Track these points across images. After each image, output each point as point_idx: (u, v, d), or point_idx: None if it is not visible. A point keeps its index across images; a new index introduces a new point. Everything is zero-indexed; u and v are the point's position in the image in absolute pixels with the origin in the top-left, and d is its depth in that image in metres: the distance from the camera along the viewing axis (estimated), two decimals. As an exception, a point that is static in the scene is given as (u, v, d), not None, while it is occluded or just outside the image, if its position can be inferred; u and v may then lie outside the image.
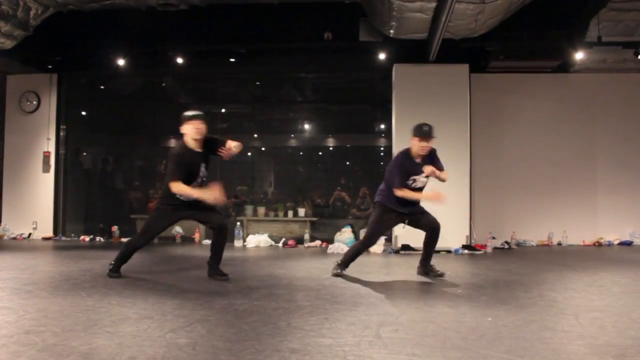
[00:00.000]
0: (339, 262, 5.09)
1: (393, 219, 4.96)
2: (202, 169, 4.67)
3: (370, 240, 5.04)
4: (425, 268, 5.08)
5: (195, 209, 4.69)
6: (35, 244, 8.04)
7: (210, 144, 4.68)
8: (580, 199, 8.12)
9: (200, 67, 8.70)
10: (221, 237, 4.80)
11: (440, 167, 4.91)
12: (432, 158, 4.92)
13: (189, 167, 4.55)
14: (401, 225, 5.09)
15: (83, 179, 9.73)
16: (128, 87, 9.96)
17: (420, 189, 4.91)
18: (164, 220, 4.78)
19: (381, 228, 5.05)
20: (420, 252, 5.17)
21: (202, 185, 4.66)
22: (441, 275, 5.00)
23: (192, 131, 4.61)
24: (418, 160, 4.87)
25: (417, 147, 4.82)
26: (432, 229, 4.95)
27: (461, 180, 7.35)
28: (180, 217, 4.84)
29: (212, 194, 4.48)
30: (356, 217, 9.02)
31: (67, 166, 9.06)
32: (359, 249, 5.11)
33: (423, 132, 4.78)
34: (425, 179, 4.89)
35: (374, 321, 3.28)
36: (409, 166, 4.84)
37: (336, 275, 5.00)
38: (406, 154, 4.91)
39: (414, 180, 4.85)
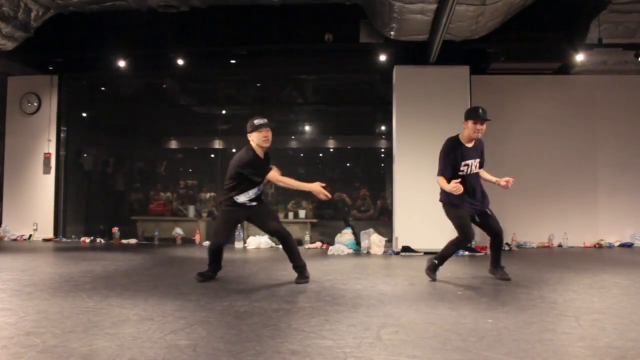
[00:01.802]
0: (435, 261, 4.98)
1: (464, 210, 4.75)
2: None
3: (465, 236, 4.79)
4: (493, 269, 5.03)
5: (252, 213, 4.79)
6: (36, 245, 8.04)
7: (267, 155, 4.87)
8: (581, 200, 8.11)
9: (200, 68, 8.71)
10: (284, 243, 4.80)
11: (483, 161, 4.86)
12: (481, 148, 4.84)
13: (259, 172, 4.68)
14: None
15: (84, 181, 9.74)
16: (129, 88, 9.96)
17: (473, 177, 4.76)
18: (229, 221, 4.81)
19: (466, 220, 4.76)
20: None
21: (260, 192, 4.79)
22: (507, 279, 4.89)
23: (260, 139, 4.71)
24: (470, 145, 4.77)
25: (472, 129, 4.70)
26: (494, 233, 4.90)
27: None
28: (239, 217, 4.89)
29: (316, 187, 4.65)
30: (356, 218, 9.02)
31: (68, 167, 9.06)
32: (456, 245, 4.93)
33: (478, 114, 4.68)
34: (476, 165, 4.76)
35: (375, 323, 3.28)
36: (459, 152, 4.71)
37: (431, 274, 4.95)
38: (455, 139, 4.79)
39: (468, 166, 4.72)
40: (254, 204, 4.77)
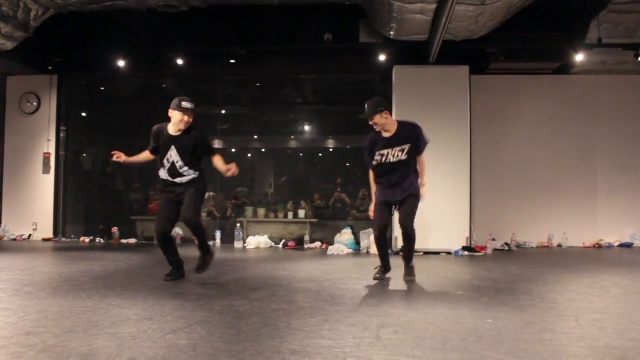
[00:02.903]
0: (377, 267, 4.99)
1: (380, 201, 4.84)
2: (173, 153, 4.65)
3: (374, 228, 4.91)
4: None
5: (172, 195, 4.69)
6: (36, 245, 8.04)
7: (199, 141, 4.74)
8: (581, 200, 8.11)
9: (200, 68, 8.71)
10: (190, 230, 4.76)
11: (417, 146, 4.79)
12: (408, 134, 4.76)
13: (160, 146, 4.70)
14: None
15: (83, 181, 9.74)
16: (128, 88, 9.96)
17: (395, 166, 4.74)
18: (162, 204, 4.80)
19: (378, 209, 4.86)
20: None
21: (175, 170, 4.65)
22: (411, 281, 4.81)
23: (177, 120, 4.64)
24: (386, 135, 4.80)
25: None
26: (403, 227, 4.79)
27: (461, 182, 7.35)
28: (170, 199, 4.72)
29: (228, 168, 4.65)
30: (356, 218, 9.02)
31: (67, 167, 9.06)
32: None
33: (364, 112, 4.76)
34: (399, 154, 4.72)
35: (374, 323, 3.28)
36: (375, 142, 4.81)
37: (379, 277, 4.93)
38: (372, 132, 4.88)
39: (382, 156, 4.77)
40: (177, 181, 4.67)
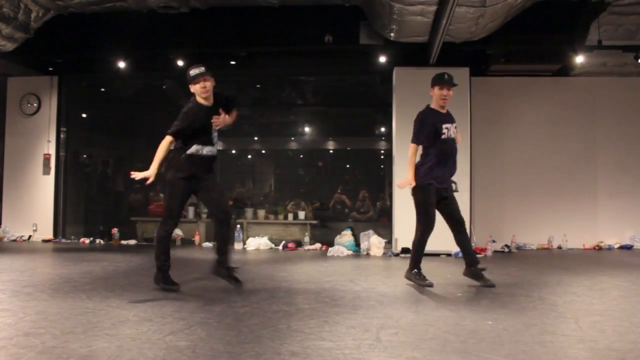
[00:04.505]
0: (415, 270, 4.67)
1: (432, 196, 4.56)
2: (211, 122, 4.42)
3: (429, 226, 4.58)
4: (473, 270, 4.69)
5: (203, 183, 4.41)
6: (35, 246, 8.04)
7: (221, 99, 4.54)
8: (581, 202, 8.11)
9: (200, 69, 8.70)
10: (225, 228, 4.49)
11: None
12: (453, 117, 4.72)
13: (199, 122, 4.34)
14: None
15: (83, 182, 9.74)
16: (128, 89, 9.97)
17: (451, 144, 4.64)
18: (179, 195, 4.41)
19: (432, 208, 4.58)
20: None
21: (209, 140, 4.40)
22: (491, 285, 4.58)
23: (198, 91, 4.40)
24: (443, 111, 4.69)
25: (437, 96, 4.65)
26: (456, 221, 4.63)
27: (461, 183, 7.32)
28: (189, 191, 4.45)
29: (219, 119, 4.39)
30: (356, 220, 9.02)
31: (68, 168, 9.06)
32: (422, 240, 4.63)
33: (444, 79, 4.61)
34: (454, 131, 4.63)
35: (374, 324, 3.28)
36: (434, 118, 4.60)
37: (425, 285, 4.63)
38: (427, 108, 4.72)
39: (448, 129, 4.59)
40: (209, 153, 4.47)
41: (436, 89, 4.67)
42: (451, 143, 4.68)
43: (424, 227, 4.58)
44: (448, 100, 4.68)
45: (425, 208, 4.57)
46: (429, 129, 4.59)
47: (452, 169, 4.73)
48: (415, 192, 4.62)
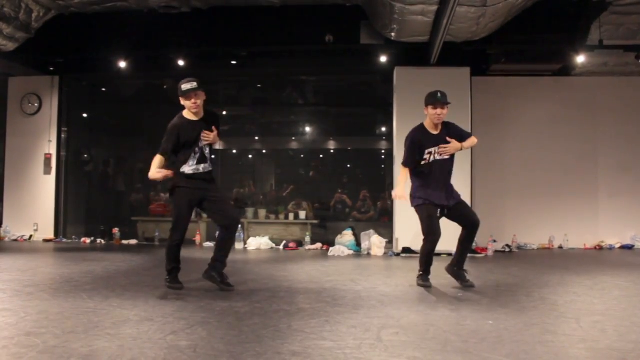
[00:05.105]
0: (420, 272, 4.70)
1: (432, 209, 4.56)
2: (202, 139, 4.42)
3: (430, 236, 4.55)
4: (457, 271, 4.70)
5: (207, 195, 4.41)
6: (36, 245, 8.04)
7: (210, 115, 4.56)
8: (582, 202, 8.10)
9: (201, 69, 8.67)
10: (230, 234, 4.49)
11: (463, 135, 4.72)
12: (450, 130, 4.68)
13: (186, 137, 4.36)
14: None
15: (84, 181, 9.74)
16: (129, 89, 9.98)
17: (443, 165, 4.64)
18: (182, 205, 4.41)
19: (435, 220, 4.56)
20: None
21: (203, 157, 4.41)
22: (471, 286, 4.61)
23: (189, 105, 4.42)
24: (435, 132, 4.65)
25: (431, 115, 4.60)
26: (471, 223, 4.61)
27: (462, 183, 7.31)
28: (193, 200, 4.43)
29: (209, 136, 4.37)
30: (357, 219, 9.02)
31: (68, 168, 9.06)
32: (430, 250, 4.63)
33: (437, 98, 4.56)
34: (444, 155, 4.61)
35: (375, 324, 3.28)
36: (423, 139, 4.59)
37: (423, 286, 4.66)
38: (419, 127, 4.69)
39: (430, 154, 4.60)
40: (205, 169, 4.48)
41: (430, 109, 4.62)
42: (437, 166, 4.63)
43: (428, 239, 4.60)
44: (442, 118, 4.65)
45: (427, 222, 4.57)
46: (415, 151, 4.63)
47: (445, 189, 4.66)
48: (415, 209, 4.67)
